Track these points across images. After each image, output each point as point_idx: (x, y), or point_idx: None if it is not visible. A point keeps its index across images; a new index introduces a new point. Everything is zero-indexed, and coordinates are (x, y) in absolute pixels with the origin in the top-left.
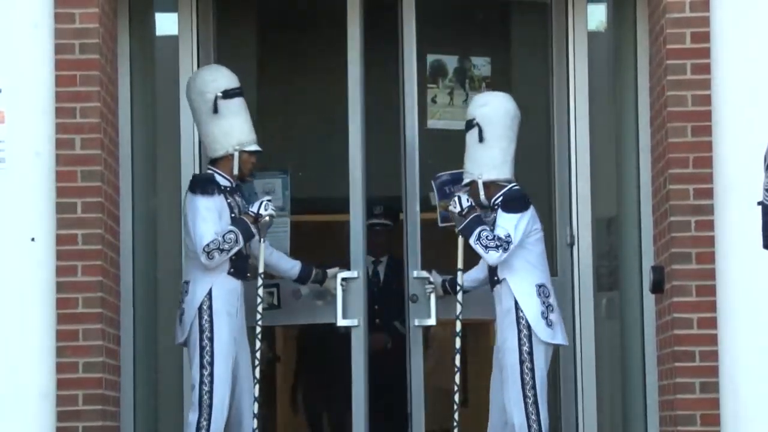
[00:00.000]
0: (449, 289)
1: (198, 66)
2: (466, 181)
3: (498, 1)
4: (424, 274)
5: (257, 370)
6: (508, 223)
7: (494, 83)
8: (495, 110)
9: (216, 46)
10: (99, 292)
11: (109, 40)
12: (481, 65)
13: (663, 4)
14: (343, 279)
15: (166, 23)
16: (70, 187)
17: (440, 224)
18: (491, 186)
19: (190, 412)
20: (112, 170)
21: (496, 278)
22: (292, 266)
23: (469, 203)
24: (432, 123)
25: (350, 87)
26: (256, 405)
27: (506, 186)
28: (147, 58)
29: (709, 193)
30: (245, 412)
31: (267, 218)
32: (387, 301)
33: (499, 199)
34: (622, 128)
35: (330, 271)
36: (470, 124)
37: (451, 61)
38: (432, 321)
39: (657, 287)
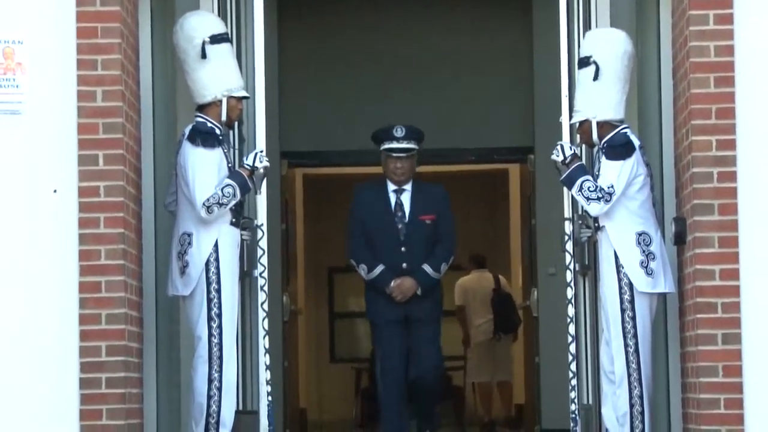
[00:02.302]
0: None
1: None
2: (577, 119)
3: None
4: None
5: (265, 321)
6: (611, 172)
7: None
8: (615, 49)
9: None
10: (121, 244)
11: None
12: None
13: None
14: (245, 229)
15: None
16: (92, 139)
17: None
18: (604, 126)
19: (199, 364)
20: (133, 122)
21: (596, 224)
22: None
23: (572, 151)
24: None
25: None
26: (268, 357)
27: (618, 126)
28: (168, 10)
29: (731, 145)
30: None
31: (261, 170)
32: (414, 239)
33: (604, 145)
34: (645, 79)
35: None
36: (586, 62)
37: None
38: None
39: (679, 239)
